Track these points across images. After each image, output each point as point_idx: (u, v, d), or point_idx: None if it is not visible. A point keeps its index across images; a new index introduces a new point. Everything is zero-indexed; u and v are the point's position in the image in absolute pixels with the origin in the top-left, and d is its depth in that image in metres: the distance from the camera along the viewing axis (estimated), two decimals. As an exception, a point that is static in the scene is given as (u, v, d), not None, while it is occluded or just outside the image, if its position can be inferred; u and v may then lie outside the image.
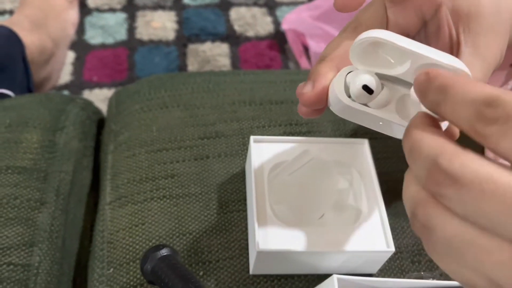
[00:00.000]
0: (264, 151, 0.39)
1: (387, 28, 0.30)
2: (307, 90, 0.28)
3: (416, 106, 0.24)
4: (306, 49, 1.09)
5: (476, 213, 0.17)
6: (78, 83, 1.00)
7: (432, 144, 0.19)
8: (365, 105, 0.26)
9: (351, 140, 0.41)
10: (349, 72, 0.27)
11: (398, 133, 0.27)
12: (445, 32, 0.28)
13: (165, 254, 0.30)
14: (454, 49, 0.28)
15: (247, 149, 0.46)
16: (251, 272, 0.38)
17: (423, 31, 0.30)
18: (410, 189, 0.20)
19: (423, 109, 0.21)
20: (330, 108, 0.27)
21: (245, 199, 0.42)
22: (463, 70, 0.23)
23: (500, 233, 0.17)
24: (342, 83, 0.26)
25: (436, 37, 0.29)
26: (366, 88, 0.25)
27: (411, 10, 0.29)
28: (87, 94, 0.99)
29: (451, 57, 0.24)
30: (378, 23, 0.29)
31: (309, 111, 0.29)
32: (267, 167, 0.38)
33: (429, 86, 0.20)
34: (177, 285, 0.26)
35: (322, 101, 0.27)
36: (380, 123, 0.26)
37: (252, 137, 0.39)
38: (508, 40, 0.28)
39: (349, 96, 0.26)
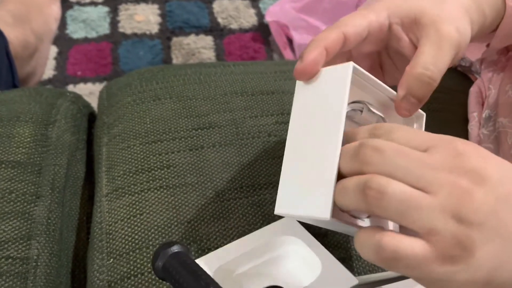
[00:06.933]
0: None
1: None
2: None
3: None
4: (290, 40, 1.10)
5: (396, 168, 0.24)
6: (62, 78, 0.99)
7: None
8: None
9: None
10: None
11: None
12: (405, 41, 0.34)
13: (176, 250, 0.30)
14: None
15: (241, 138, 0.46)
16: (276, 211, 0.32)
17: (385, 50, 0.37)
18: (353, 180, 0.25)
19: None
20: None
21: (241, 187, 0.43)
22: None
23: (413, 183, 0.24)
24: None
25: (399, 46, 0.34)
26: None
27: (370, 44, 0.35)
28: (72, 89, 0.98)
29: None
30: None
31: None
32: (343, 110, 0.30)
33: None
34: (188, 282, 0.27)
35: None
36: None
37: (351, 63, 0.30)
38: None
39: None
